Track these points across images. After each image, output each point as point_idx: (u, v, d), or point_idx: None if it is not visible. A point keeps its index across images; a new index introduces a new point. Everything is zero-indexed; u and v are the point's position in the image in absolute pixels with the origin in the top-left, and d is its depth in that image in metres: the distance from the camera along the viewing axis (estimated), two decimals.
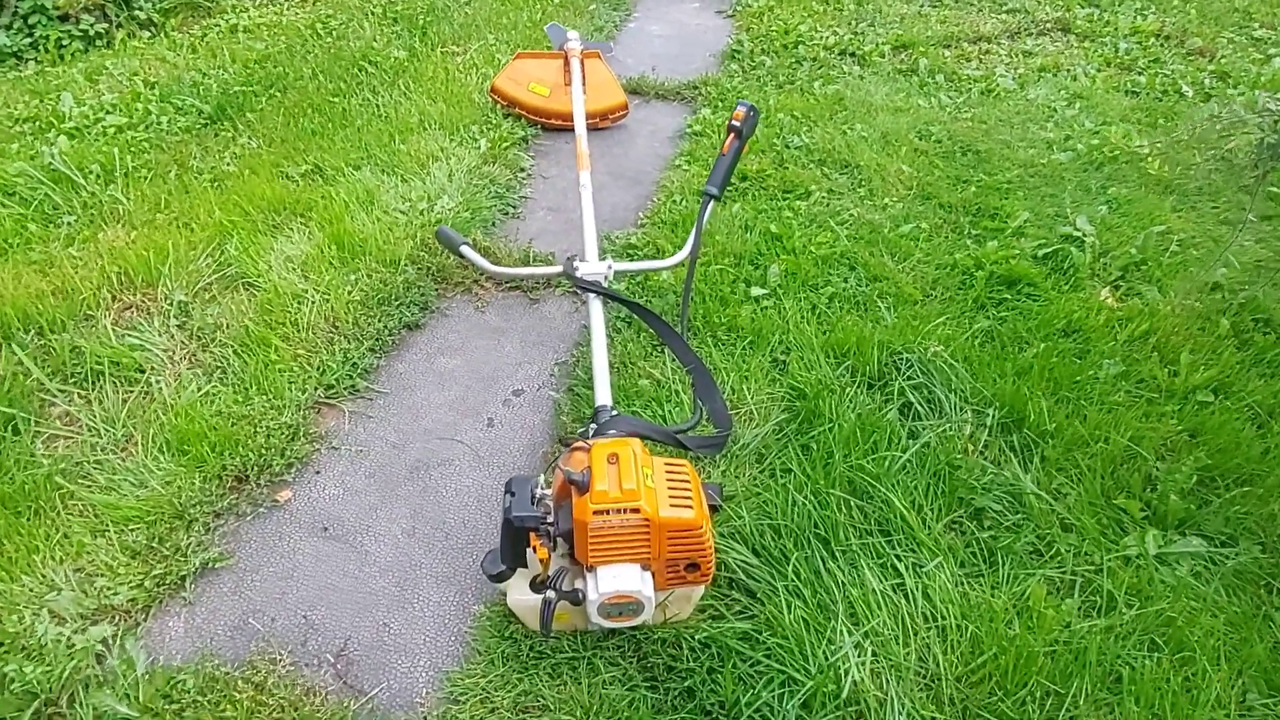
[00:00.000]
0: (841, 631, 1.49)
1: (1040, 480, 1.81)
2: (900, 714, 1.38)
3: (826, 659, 1.44)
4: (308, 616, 1.67)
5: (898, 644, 1.48)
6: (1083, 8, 4.94)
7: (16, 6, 4.22)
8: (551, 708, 1.46)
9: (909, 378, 2.05)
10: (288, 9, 4.91)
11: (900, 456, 1.81)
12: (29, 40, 4.20)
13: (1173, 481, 1.78)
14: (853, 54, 4.31)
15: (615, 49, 4.53)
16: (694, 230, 2.24)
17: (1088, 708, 1.39)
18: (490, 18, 4.72)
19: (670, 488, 1.43)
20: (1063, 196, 2.90)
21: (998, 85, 3.88)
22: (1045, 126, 3.49)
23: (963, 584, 1.60)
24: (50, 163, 3.11)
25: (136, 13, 4.51)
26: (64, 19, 4.30)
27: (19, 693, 1.46)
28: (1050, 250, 2.57)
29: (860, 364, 2.11)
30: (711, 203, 2.25)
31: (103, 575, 1.68)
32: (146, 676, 1.51)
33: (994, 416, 1.95)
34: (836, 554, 1.63)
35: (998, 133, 3.42)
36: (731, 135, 2.23)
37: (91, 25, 4.32)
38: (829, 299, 2.39)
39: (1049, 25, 4.72)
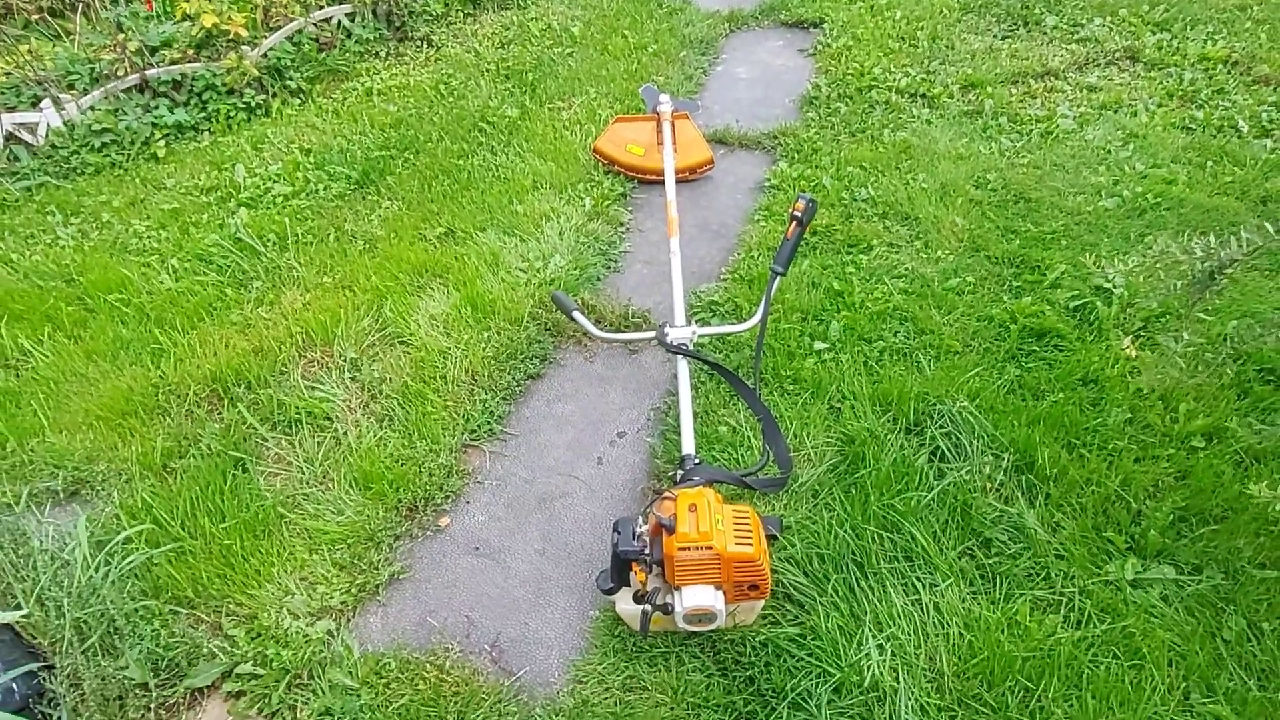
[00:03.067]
0: (868, 636, 1.96)
1: (1042, 516, 2.23)
2: (909, 699, 1.85)
3: (854, 657, 1.92)
4: (469, 616, 2.24)
5: (911, 647, 1.95)
6: (1154, 33, 5.12)
7: (192, 85, 4.98)
8: (650, 688, 1.99)
9: (941, 426, 2.48)
10: (413, 69, 5.55)
11: (925, 496, 2.26)
12: (203, 115, 4.96)
13: (1155, 518, 2.17)
14: (923, 95, 4.66)
15: (703, 94, 5.01)
16: (763, 300, 2.72)
17: (1054, 700, 1.83)
18: (591, 70, 5.25)
19: (736, 529, 1.93)
20: (1102, 246, 3.23)
21: (1058, 126, 4.18)
22: (1097, 170, 3.79)
23: (968, 600, 2.05)
24: (235, 233, 3.81)
25: (288, 83, 5.22)
26: (230, 93, 5.05)
27: (277, 669, 2.08)
28: (1082, 303, 2.93)
29: (901, 413, 2.55)
30: (778, 279, 2.72)
31: (321, 583, 2.30)
32: (361, 659, 2.11)
33: (1009, 460, 2.37)
34: (868, 575, 2.10)
35: (1051, 179, 3.75)
36: (793, 223, 2.68)
37: (253, 97, 5.06)
38: (880, 352, 2.83)
39: (1118, 54, 4.94)
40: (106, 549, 2.30)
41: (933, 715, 1.84)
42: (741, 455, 2.51)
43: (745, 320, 2.88)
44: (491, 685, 2.06)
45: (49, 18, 5.50)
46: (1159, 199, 3.48)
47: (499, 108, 4.84)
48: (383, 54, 5.73)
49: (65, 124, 4.66)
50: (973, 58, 5.04)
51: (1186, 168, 3.74)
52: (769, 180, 4.02)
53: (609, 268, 3.57)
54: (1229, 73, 4.60)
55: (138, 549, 2.37)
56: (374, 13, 5.79)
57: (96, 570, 2.25)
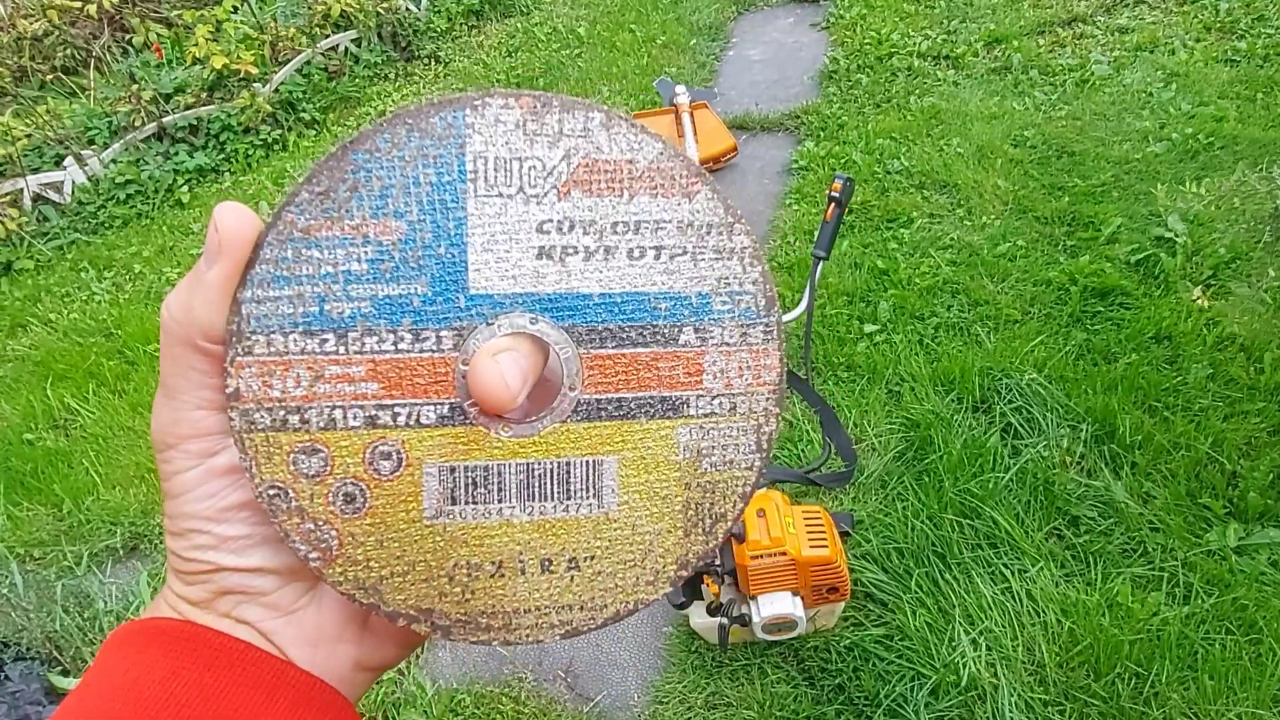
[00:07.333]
0: (959, 632, 1.86)
1: (1131, 487, 2.11)
2: (1011, 696, 1.75)
3: (948, 655, 1.82)
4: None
5: (1007, 639, 1.84)
6: None
7: (208, 127, 4.98)
8: (734, 704, 1.91)
9: (1009, 401, 2.37)
10: (423, 88, 5.51)
11: (1003, 477, 2.15)
12: (222, 156, 4.97)
13: (1253, 479, 2.04)
14: (946, 57, 4.50)
15: (718, 81, 4.91)
16: (808, 287, 2.61)
17: (1169, 684, 1.72)
18: (602, 70, 5.16)
19: (809, 531, 1.83)
20: (1156, 194, 3.08)
21: (1093, 74, 4.01)
22: (1141, 115, 3.63)
23: (1061, 584, 1.93)
24: None
25: (301, 115, 5.21)
26: (246, 131, 5.05)
27: None
28: (1143, 256, 2.79)
29: (965, 391, 2.44)
30: (820, 263, 2.61)
31: None
32: (434, 697, 2.05)
33: (1088, 430, 2.24)
34: (952, 566, 2.00)
35: (1092, 129, 3.59)
36: (832, 204, 2.57)
37: (269, 133, 5.05)
38: (935, 329, 2.72)
39: None
40: None
41: (1039, 711, 1.73)
42: (802, 451, 2.42)
43: (790, 310, 2.78)
44: (570, 713, 1.99)
45: (63, 76, 5.55)
46: (1211, 138, 3.30)
47: None
48: (392, 76, 5.70)
49: (90, 179, 4.69)
50: (994, 12, 4.86)
51: (1235, 103, 3.55)
52: (796, 161, 3.90)
53: None
54: None
55: None
56: (379, 35, 5.77)
57: None
